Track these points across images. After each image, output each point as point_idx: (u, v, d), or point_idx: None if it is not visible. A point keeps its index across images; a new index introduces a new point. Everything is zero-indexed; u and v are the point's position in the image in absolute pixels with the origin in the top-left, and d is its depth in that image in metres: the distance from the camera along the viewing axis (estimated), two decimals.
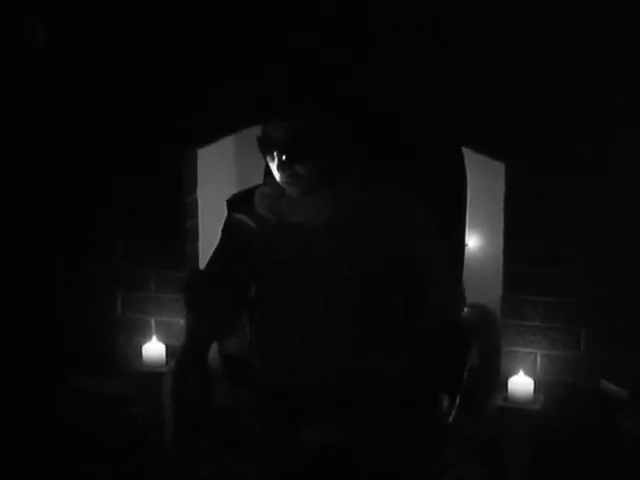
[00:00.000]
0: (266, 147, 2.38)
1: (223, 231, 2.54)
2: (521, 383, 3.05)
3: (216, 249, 2.55)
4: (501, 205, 3.13)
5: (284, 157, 2.32)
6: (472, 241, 3.48)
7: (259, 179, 2.64)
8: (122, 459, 3.21)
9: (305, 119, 2.32)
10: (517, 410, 3.02)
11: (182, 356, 3.00)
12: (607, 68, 2.98)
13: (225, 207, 2.55)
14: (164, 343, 3.39)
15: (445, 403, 2.54)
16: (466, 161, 2.63)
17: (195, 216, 3.49)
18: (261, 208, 2.47)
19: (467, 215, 2.65)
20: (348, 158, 2.42)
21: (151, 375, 3.32)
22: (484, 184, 3.08)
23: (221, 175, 3.65)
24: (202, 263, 3.33)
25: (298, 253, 2.41)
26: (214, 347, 2.67)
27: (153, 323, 3.50)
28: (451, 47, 3.08)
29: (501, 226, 3.15)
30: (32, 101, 3.46)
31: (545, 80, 3.03)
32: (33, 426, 3.31)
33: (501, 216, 3.14)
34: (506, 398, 3.05)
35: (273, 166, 2.37)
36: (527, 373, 3.08)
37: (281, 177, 2.36)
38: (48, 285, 3.58)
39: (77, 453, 3.22)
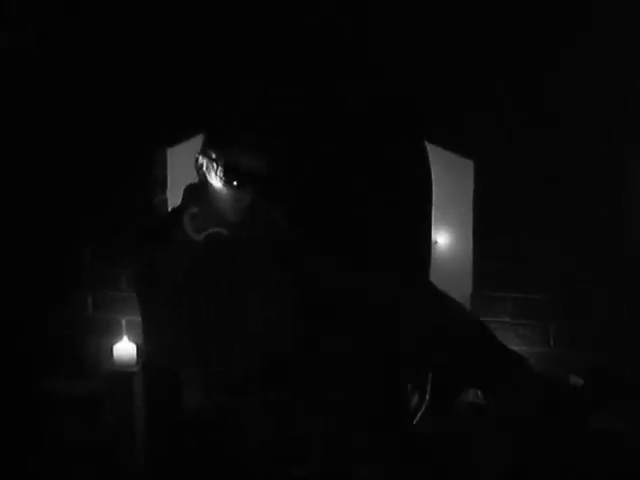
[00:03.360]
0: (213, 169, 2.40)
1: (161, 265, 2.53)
2: None
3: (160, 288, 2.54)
4: (470, 203, 3.15)
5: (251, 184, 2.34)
6: (442, 238, 3.50)
7: None
8: (93, 463, 3.20)
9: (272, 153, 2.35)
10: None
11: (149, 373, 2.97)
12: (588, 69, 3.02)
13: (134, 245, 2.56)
14: (135, 343, 3.38)
15: (414, 400, 2.56)
16: (432, 159, 2.64)
17: None
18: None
19: (433, 214, 2.66)
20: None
21: (122, 375, 3.31)
22: (453, 182, 3.10)
23: (191, 175, 3.63)
24: None
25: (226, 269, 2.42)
26: None
27: (124, 323, 3.49)
28: (424, 47, 3.09)
29: (470, 224, 3.16)
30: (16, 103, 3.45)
31: (515, 78, 3.05)
32: (2, 431, 3.29)
33: (470, 214, 3.15)
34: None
35: (221, 187, 2.40)
36: None
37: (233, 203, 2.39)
38: (18, 286, 3.56)
39: (47, 458, 3.20)
